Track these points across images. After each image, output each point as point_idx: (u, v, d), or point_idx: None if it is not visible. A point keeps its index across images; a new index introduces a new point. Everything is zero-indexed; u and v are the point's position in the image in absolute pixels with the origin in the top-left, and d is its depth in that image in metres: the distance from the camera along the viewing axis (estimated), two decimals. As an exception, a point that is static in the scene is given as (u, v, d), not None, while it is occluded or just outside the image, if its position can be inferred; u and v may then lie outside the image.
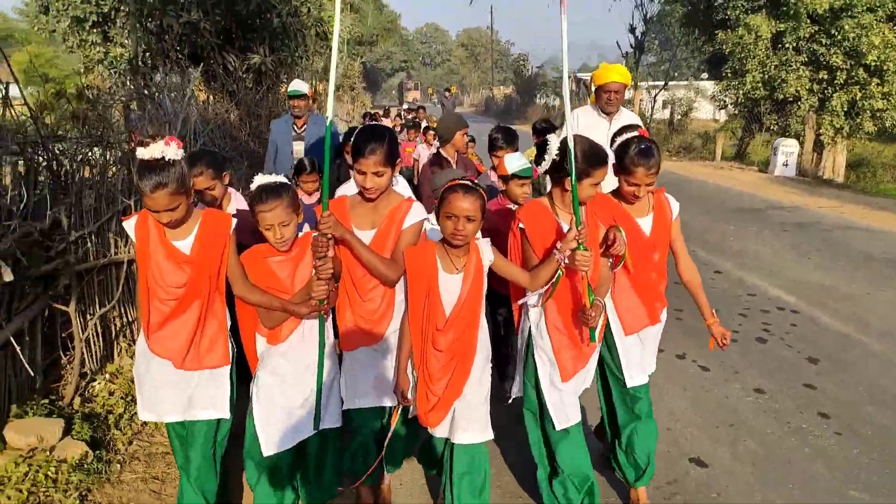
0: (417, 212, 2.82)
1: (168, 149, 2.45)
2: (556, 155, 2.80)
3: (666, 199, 3.16)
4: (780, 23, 17.17)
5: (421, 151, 8.11)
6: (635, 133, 3.06)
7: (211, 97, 6.72)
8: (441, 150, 4.85)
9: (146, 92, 5.20)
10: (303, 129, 5.70)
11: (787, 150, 17.46)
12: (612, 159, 2.91)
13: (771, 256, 8.42)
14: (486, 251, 2.75)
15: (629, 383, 3.11)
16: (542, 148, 3.17)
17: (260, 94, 6.69)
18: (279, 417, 2.77)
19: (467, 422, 2.77)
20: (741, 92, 18.34)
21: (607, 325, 3.08)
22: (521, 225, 2.88)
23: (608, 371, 3.19)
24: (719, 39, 18.12)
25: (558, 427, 2.89)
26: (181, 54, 6.28)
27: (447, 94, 17.62)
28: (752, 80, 17.80)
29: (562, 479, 2.94)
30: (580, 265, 2.64)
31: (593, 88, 5.01)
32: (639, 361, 3.14)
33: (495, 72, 62.75)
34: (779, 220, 10.84)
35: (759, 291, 6.92)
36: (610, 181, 2.97)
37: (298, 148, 5.66)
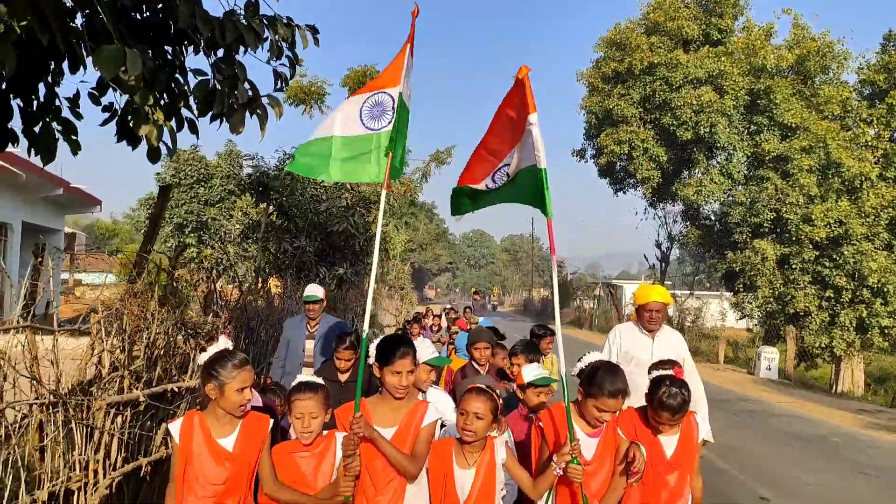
0: (433, 413, 3.08)
1: (228, 342, 2.94)
2: (577, 373, 3.18)
3: (695, 420, 3.26)
4: (784, 247, 19.77)
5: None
6: (670, 372, 3.18)
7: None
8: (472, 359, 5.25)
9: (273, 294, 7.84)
10: (315, 329, 6.03)
11: (769, 357, 19.81)
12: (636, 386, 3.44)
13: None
14: (500, 450, 3.01)
15: None
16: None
17: (341, 295, 9.36)
18: None
19: None
20: (754, 305, 20.59)
21: None
22: (540, 423, 3.18)
23: None
24: (729, 259, 20.79)
25: None
26: (291, 267, 9.07)
27: (476, 295, 20.15)
28: (763, 294, 20.09)
29: None
30: (573, 476, 2.87)
31: (634, 307, 5.12)
32: None
33: (535, 275, 67.27)
34: (736, 408, 12.80)
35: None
36: (641, 395, 3.27)
37: (310, 346, 6.02)
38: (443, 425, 3.93)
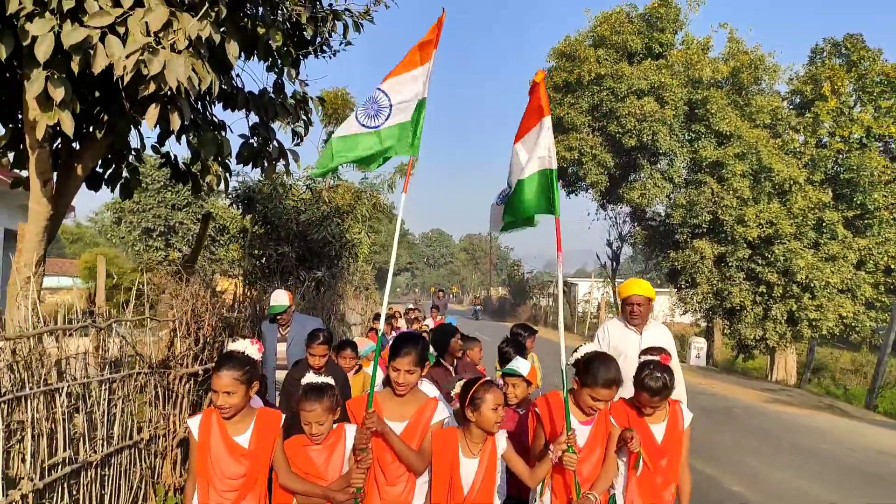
0: (441, 411, 3.27)
1: (251, 348, 3.08)
2: (574, 362, 3.39)
3: (680, 409, 3.53)
4: (721, 246, 21.90)
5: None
6: (657, 358, 3.43)
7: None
8: (441, 358, 5.24)
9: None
10: (287, 331, 5.98)
11: (698, 346, 22.41)
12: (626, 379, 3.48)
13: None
14: (500, 441, 3.23)
15: None
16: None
17: (319, 296, 10.90)
18: None
19: None
20: (695, 300, 22.72)
21: None
22: (536, 410, 3.44)
23: None
24: (672, 258, 22.89)
25: None
26: (276, 272, 10.56)
27: (440, 293, 21.50)
28: (703, 291, 22.21)
29: None
30: (567, 465, 3.11)
31: (619, 301, 5.15)
32: None
33: (494, 274, 69.65)
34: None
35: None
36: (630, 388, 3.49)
37: (281, 348, 6.01)
38: None
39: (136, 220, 21.43)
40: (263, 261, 10.71)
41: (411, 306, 22.28)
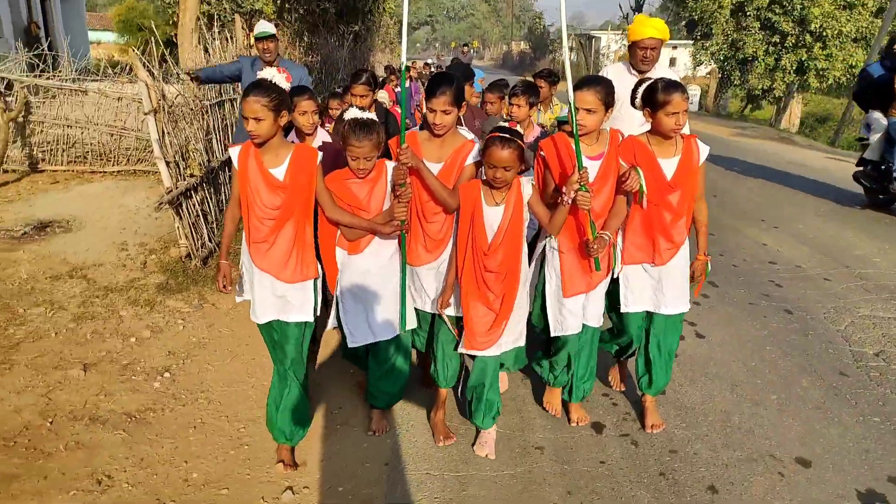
0: (477, 152, 3.37)
1: (279, 76, 3.15)
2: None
3: (696, 144, 3.45)
4: (740, -6, 22.64)
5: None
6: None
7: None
8: None
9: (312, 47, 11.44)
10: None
11: (692, 92, 24.22)
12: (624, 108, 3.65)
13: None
14: (526, 187, 3.31)
15: (623, 308, 3.63)
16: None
17: (357, 47, 12.97)
18: (362, 315, 3.49)
19: (512, 334, 3.49)
20: (709, 52, 23.97)
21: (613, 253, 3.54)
22: (542, 153, 3.48)
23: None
24: (690, 7, 23.73)
25: (553, 333, 3.61)
26: (316, 25, 12.51)
27: (464, 48, 22.71)
28: (718, 41, 23.37)
29: (551, 361, 3.80)
30: (581, 204, 3.15)
31: (627, 44, 4.66)
32: (640, 293, 3.61)
33: (516, 27, 68.75)
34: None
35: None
36: (638, 124, 3.62)
37: None
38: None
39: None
40: (301, 12, 12.62)
41: (430, 60, 23.30)
